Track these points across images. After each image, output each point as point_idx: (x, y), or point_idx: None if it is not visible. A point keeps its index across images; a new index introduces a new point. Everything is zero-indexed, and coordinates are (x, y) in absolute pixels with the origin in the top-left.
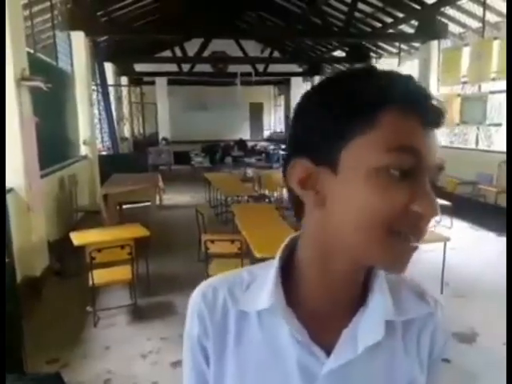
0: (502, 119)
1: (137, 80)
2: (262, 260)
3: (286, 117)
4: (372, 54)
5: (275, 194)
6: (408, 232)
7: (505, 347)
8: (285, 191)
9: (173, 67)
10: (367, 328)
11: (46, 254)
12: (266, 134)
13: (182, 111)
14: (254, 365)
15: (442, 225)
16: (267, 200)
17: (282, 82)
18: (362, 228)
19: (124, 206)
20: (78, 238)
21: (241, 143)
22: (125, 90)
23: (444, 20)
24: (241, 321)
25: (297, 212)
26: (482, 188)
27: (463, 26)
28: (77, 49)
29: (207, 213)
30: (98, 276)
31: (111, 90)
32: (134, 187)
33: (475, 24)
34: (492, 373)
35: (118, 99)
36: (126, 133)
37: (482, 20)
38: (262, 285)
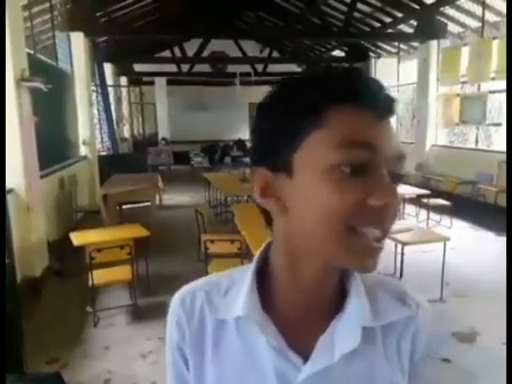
0: (502, 119)
1: (136, 80)
2: None
3: None
4: (371, 54)
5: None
6: (371, 228)
7: (505, 347)
8: None
9: (172, 67)
10: (344, 334)
11: (45, 254)
12: None
13: (182, 111)
14: (232, 372)
15: (441, 225)
16: None
17: None
18: (322, 228)
19: (124, 206)
20: (77, 238)
21: (240, 143)
22: (124, 91)
23: (443, 20)
24: (218, 328)
25: (266, 219)
26: (481, 188)
27: (462, 25)
28: (76, 49)
29: (207, 213)
30: (98, 276)
31: (111, 90)
32: (133, 187)
33: (474, 24)
34: (492, 373)
35: (118, 99)
36: (126, 133)
37: (482, 19)
38: (239, 290)
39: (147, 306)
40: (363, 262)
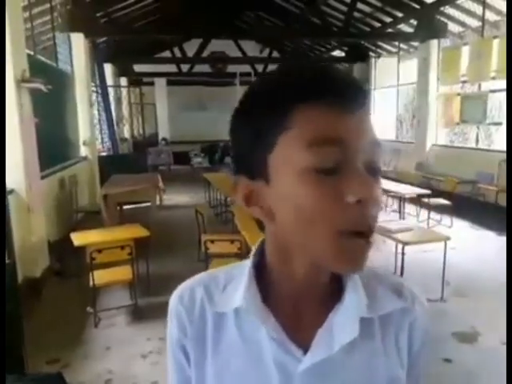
0: (502, 118)
1: (136, 81)
2: None
3: None
4: (371, 54)
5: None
6: (354, 227)
7: (505, 346)
8: None
9: (172, 68)
10: (342, 325)
11: (46, 255)
12: None
13: (182, 111)
14: (232, 364)
15: (442, 224)
16: None
17: None
18: (304, 231)
19: (124, 207)
20: (78, 238)
21: None
22: (124, 91)
23: (443, 19)
24: (218, 321)
25: (258, 223)
26: (482, 187)
27: (463, 25)
28: (76, 50)
29: (207, 213)
30: (99, 276)
31: (111, 90)
32: (133, 188)
33: (475, 23)
34: (493, 372)
35: (118, 100)
36: (126, 133)
37: (482, 19)
38: (237, 285)
39: (148, 306)
40: (349, 263)
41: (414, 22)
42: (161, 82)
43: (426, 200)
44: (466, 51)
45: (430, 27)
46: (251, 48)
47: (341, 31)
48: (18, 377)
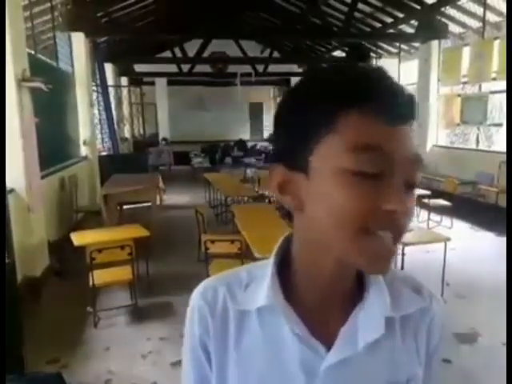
0: (503, 119)
1: (137, 80)
2: (262, 260)
3: None
4: (372, 54)
5: (275, 195)
6: (384, 230)
7: (505, 347)
8: None
9: (173, 68)
10: (367, 324)
11: (46, 255)
12: (266, 134)
13: (182, 111)
14: (255, 361)
15: (442, 225)
16: (267, 200)
17: (282, 83)
18: (335, 229)
19: (124, 207)
20: (78, 238)
21: (240, 143)
22: (125, 91)
23: (444, 20)
24: (241, 319)
25: (288, 215)
26: (482, 188)
27: (463, 25)
28: (77, 49)
29: (207, 213)
30: (99, 276)
31: (111, 90)
32: (134, 188)
33: (475, 24)
34: (493, 373)
35: (118, 100)
36: (126, 133)
37: (483, 20)
38: (260, 283)
39: (147, 307)
40: (375, 264)
41: (414, 22)
42: (161, 82)
43: (426, 201)
44: (466, 52)
45: (431, 28)
46: (252, 48)
47: (341, 31)
48: (18, 377)
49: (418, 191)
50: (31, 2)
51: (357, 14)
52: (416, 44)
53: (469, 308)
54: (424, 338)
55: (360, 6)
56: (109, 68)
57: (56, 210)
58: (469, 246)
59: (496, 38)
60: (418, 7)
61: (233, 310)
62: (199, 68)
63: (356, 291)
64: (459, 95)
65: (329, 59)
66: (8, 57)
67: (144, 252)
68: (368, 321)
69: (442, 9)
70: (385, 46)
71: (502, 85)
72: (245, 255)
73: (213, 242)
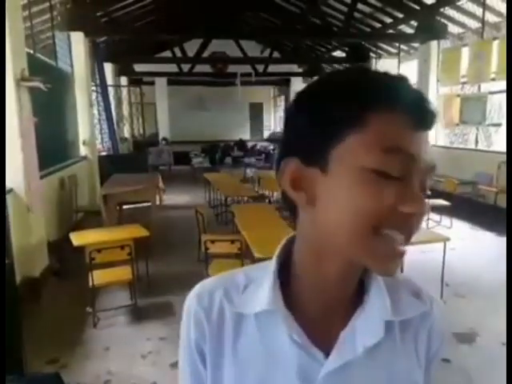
0: (502, 119)
1: (136, 80)
2: (262, 260)
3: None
4: (372, 55)
5: (275, 195)
6: (396, 233)
7: (504, 347)
8: None
9: (172, 67)
10: (366, 328)
11: (45, 255)
12: (266, 134)
13: (182, 111)
14: (252, 367)
15: (441, 225)
16: (267, 200)
17: (282, 83)
18: (348, 226)
19: (124, 207)
20: (77, 238)
21: (241, 143)
22: (124, 91)
23: (443, 20)
24: (238, 323)
25: (291, 213)
26: (481, 188)
27: (463, 26)
28: (76, 49)
29: (207, 213)
30: (98, 276)
31: (111, 90)
32: (134, 187)
33: (475, 24)
34: (491, 373)
35: (118, 99)
36: (126, 133)
37: (482, 20)
38: (259, 287)
39: (147, 307)
40: (385, 264)
41: (414, 23)
42: (161, 82)
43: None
44: (465, 52)
45: (430, 28)
46: (252, 48)
47: (341, 32)
48: (18, 377)
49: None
50: (30, 2)
51: (356, 14)
52: (415, 44)
53: (468, 308)
54: (424, 343)
55: (360, 6)
56: (108, 68)
57: (55, 210)
58: (468, 246)
59: (495, 39)
60: (418, 8)
61: (229, 313)
62: (199, 68)
63: (357, 295)
64: (458, 95)
65: (329, 59)
66: (7, 56)
67: (144, 252)
68: (367, 325)
69: (442, 9)
70: (384, 46)
71: (501, 85)
72: (245, 255)
73: (213, 242)
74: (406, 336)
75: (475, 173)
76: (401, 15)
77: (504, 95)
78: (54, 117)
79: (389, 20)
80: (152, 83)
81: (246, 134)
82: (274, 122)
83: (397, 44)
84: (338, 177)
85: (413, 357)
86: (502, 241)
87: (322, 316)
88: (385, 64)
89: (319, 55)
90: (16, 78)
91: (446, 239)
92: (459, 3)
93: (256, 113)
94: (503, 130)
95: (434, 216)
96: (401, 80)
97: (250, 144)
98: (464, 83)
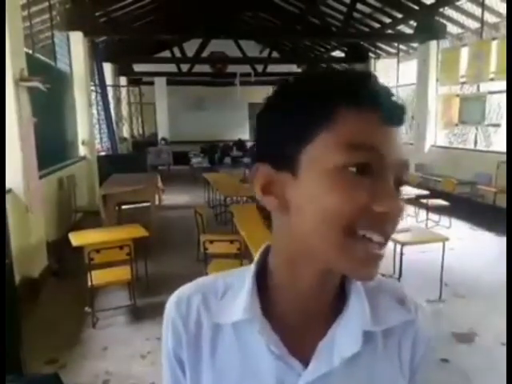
0: (501, 119)
1: (136, 80)
2: None
3: None
4: (371, 55)
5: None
6: (372, 233)
7: (503, 347)
8: None
9: (172, 67)
10: (344, 338)
11: (44, 255)
12: None
13: (181, 111)
14: (229, 377)
15: (440, 225)
16: None
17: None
18: (322, 230)
19: (123, 207)
20: (76, 238)
21: (240, 143)
22: (124, 91)
23: (443, 20)
24: (216, 332)
25: (265, 219)
26: (480, 188)
27: (462, 26)
28: (75, 49)
29: (206, 213)
30: (97, 276)
31: (110, 90)
32: (133, 188)
33: (474, 24)
34: (490, 373)
35: (117, 99)
36: (125, 133)
37: (481, 20)
38: (237, 294)
39: (146, 307)
40: (362, 269)
41: (413, 23)
42: (160, 82)
43: (424, 201)
44: (464, 52)
45: (430, 28)
46: (251, 48)
47: (340, 32)
48: (17, 377)
49: (417, 191)
50: (29, 2)
51: (356, 15)
52: (414, 44)
53: (467, 308)
54: (409, 351)
55: (359, 6)
56: (107, 68)
57: (54, 210)
58: (467, 246)
59: (494, 39)
60: (417, 8)
61: (207, 322)
62: (198, 68)
63: (337, 304)
64: (457, 95)
65: (328, 59)
66: (6, 56)
67: (143, 252)
68: (345, 335)
69: (441, 9)
70: (383, 46)
71: (500, 85)
72: (244, 255)
73: (212, 242)
74: (388, 345)
75: (474, 173)
76: (400, 15)
77: (503, 95)
78: (53, 117)
79: (388, 20)
80: (151, 83)
81: (245, 134)
82: None
83: (396, 44)
84: (308, 179)
85: (396, 366)
86: (502, 241)
87: (301, 324)
88: (384, 64)
89: (318, 55)
90: (15, 78)
91: (445, 239)
92: (458, 3)
93: (255, 113)
94: (502, 130)
95: (433, 216)
96: (367, 77)
97: (249, 144)
98: (463, 83)
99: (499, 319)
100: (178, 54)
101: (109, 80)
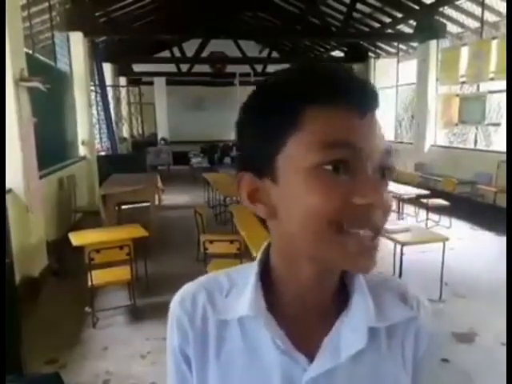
0: (501, 119)
1: (135, 80)
2: None
3: None
4: (370, 54)
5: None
6: (358, 228)
7: (503, 347)
8: None
9: (171, 67)
10: (350, 335)
11: (44, 255)
12: None
13: (181, 111)
14: (236, 372)
15: (440, 225)
16: None
17: None
18: (309, 230)
19: (123, 207)
20: (76, 238)
21: None
22: (123, 91)
23: (442, 20)
24: (221, 328)
25: (262, 222)
26: (480, 188)
27: (462, 25)
28: (75, 49)
29: (206, 213)
30: (97, 276)
31: (110, 90)
32: (132, 188)
33: (474, 24)
34: (490, 373)
35: (117, 99)
36: (125, 133)
37: (481, 20)
38: (241, 291)
39: (146, 307)
40: (358, 262)
41: (413, 22)
42: (160, 82)
43: (424, 200)
44: (464, 52)
45: (429, 28)
46: (250, 48)
47: (340, 31)
48: (17, 377)
49: (417, 191)
50: (29, 2)
51: (355, 14)
52: (414, 44)
53: (467, 308)
54: (411, 347)
55: (359, 6)
56: (107, 68)
57: (55, 210)
58: (467, 246)
59: (494, 38)
60: (417, 7)
61: (213, 319)
62: (198, 68)
63: (340, 299)
64: (457, 95)
65: (327, 59)
66: (6, 56)
67: (143, 252)
68: (351, 332)
69: (441, 9)
70: (383, 45)
71: (500, 84)
72: (244, 255)
73: (212, 242)
74: (392, 341)
75: (474, 172)
76: (400, 15)
77: (503, 94)
78: (53, 117)
79: (388, 20)
80: (151, 83)
81: None
82: None
83: (396, 44)
84: (287, 183)
85: (399, 362)
86: (502, 240)
87: (305, 320)
88: (384, 64)
89: (318, 55)
90: (15, 78)
91: (445, 239)
92: (458, 3)
93: None
94: (502, 129)
95: (433, 216)
96: (333, 71)
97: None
98: (463, 83)
99: (500, 319)
100: (177, 53)
101: (108, 80)
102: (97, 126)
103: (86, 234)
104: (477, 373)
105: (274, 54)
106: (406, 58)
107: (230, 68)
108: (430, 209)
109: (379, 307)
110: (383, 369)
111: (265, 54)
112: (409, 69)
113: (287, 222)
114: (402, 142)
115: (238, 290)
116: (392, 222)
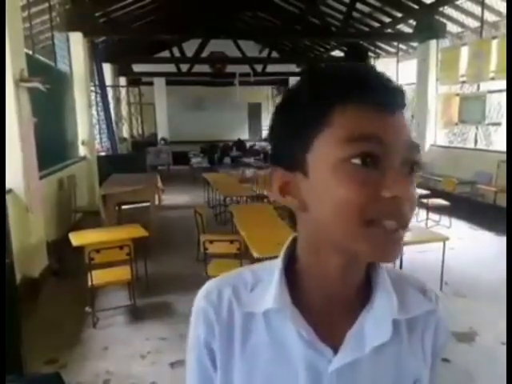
0: (501, 118)
1: (135, 80)
2: (261, 260)
3: None
4: (370, 54)
5: (277, 198)
6: (388, 220)
7: (503, 346)
8: None
9: (171, 67)
10: (374, 327)
11: (44, 255)
12: (265, 134)
13: (181, 111)
14: (261, 365)
15: (441, 224)
16: (266, 200)
17: (281, 83)
18: (339, 222)
19: (123, 207)
20: (76, 238)
21: (239, 143)
22: (123, 91)
23: (442, 19)
24: (247, 321)
25: (291, 217)
26: (480, 188)
27: (462, 25)
28: (75, 50)
29: (206, 213)
30: (97, 276)
31: (109, 90)
32: (132, 188)
33: (474, 23)
34: (491, 372)
35: (117, 100)
36: (125, 133)
37: (481, 19)
38: (266, 286)
39: (146, 307)
40: (382, 251)
41: (413, 22)
42: (160, 82)
43: (424, 200)
44: (464, 52)
45: (429, 28)
46: (250, 48)
47: (340, 31)
48: (17, 377)
49: (417, 191)
50: (29, 2)
51: (355, 14)
52: (414, 44)
53: (467, 307)
54: (430, 340)
55: (358, 5)
56: (107, 68)
57: (55, 210)
58: (467, 246)
59: (494, 38)
60: (417, 7)
61: (238, 312)
62: (198, 68)
63: (364, 293)
64: (457, 95)
65: (327, 59)
66: (6, 57)
67: (143, 252)
68: (375, 324)
69: (441, 8)
70: (383, 45)
71: (500, 84)
72: (244, 255)
73: (212, 242)
74: (412, 334)
75: (474, 172)
76: (400, 14)
77: (503, 94)
78: (53, 117)
79: (387, 19)
80: (151, 83)
81: (244, 134)
82: None
83: (395, 43)
84: (317, 177)
85: (419, 354)
86: (502, 240)
87: (329, 312)
88: (383, 63)
89: (318, 55)
90: (15, 78)
91: (445, 239)
92: (458, 2)
93: (254, 113)
94: (502, 129)
95: (434, 216)
96: (363, 69)
97: (248, 144)
98: (463, 82)
99: (500, 319)
100: (177, 54)
101: (108, 80)
102: (97, 126)
103: (86, 234)
104: (477, 372)
105: (274, 54)
106: (405, 57)
107: (229, 68)
108: (430, 208)
109: (401, 300)
110: (404, 360)
111: (265, 53)
112: (409, 68)
113: (317, 213)
114: None
115: (263, 286)
116: None
